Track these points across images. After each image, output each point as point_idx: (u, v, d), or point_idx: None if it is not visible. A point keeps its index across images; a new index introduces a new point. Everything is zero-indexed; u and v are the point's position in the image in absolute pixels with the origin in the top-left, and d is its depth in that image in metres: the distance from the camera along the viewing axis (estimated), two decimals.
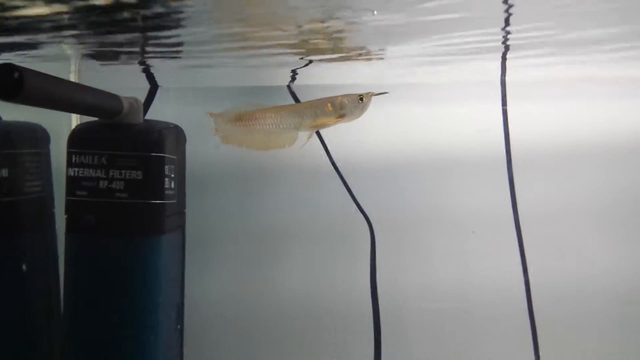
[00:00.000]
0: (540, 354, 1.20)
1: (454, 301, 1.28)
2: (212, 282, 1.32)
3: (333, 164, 1.25)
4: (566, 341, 1.27)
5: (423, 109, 1.28)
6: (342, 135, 1.28)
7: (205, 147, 1.30)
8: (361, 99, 1.04)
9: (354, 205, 1.27)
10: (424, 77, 1.26)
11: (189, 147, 0.99)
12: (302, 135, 1.06)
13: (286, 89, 1.27)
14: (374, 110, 1.29)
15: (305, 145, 1.07)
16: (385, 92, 1.06)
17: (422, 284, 1.29)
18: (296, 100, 1.25)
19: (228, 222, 1.34)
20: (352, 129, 1.30)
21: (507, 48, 1.13)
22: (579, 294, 1.27)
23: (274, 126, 1.05)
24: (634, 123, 1.28)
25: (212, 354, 1.30)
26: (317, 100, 1.06)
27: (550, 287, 1.25)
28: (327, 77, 1.25)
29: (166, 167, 0.86)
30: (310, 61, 1.11)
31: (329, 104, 1.05)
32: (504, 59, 1.15)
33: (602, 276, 1.27)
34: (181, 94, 1.29)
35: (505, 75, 1.19)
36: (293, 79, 1.22)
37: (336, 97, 1.05)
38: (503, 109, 1.21)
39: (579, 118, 1.29)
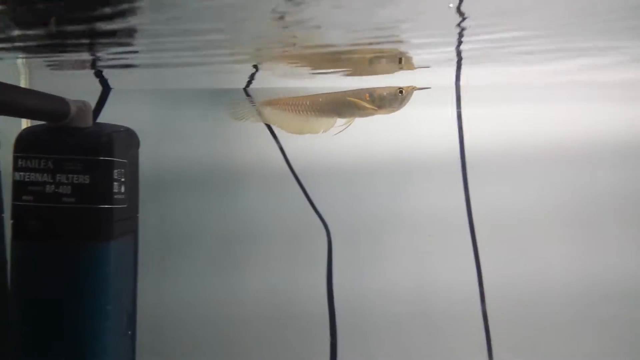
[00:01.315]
0: (494, 354, 1.21)
1: (410, 304, 1.29)
2: (170, 286, 1.31)
3: (290, 167, 1.25)
4: (521, 341, 1.29)
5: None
6: (300, 139, 1.28)
7: (163, 151, 1.30)
8: (401, 92, 1.03)
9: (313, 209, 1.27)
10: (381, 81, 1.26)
11: (146, 151, 0.98)
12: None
13: (242, 92, 1.26)
14: None
15: (305, 139, 1.10)
16: (428, 87, 1.05)
17: (380, 287, 1.29)
18: (252, 102, 1.25)
19: (187, 226, 1.32)
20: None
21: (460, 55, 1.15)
22: (534, 294, 1.29)
23: (310, 112, 1.06)
24: (589, 127, 1.30)
25: (168, 358, 1.28)
26: (356, 90, 1.05)
27: (504, 289, 1.27)
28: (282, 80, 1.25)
29: (115, 171, 0.85)
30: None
31: (367, 95, 1.05)
32: (459, 63, 1.17)
33: (558, 277, 1.30)
34: (135, 96, 1.27)
35: (459, 80, 1.20)
36: (249, 82, 1.22)
37: (375, 88, 1.04)
38: (457, 113, 1.22)
39: (535, 122, 1.31)
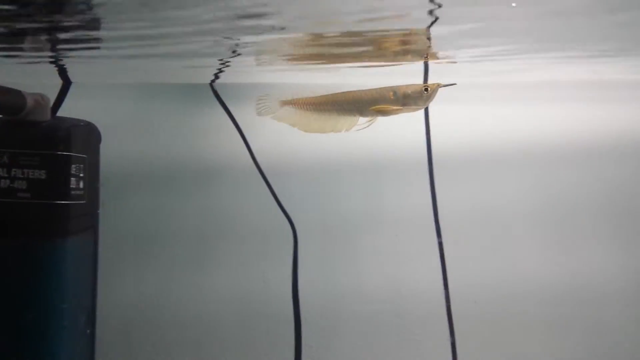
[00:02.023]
0: (458, 354, 1.22)
1: (378, 303, 1.29)
2: (136, 285, 1.29)
3: (257, 165, 1.23)
4: (486, 341, 1.29)
5: None
6: (267, 136, 1.27)
7: (128, 147, 1.28)
8: (426, 90, 1.01)
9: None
10: (349, 78, 1.26)
11: (110, 146, 0.96)
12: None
13: (209, 87, 1.25)
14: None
15: (314, 136, 1.06)
16: (453, 84, 1.03)
17: (347, 286, 1.29)
18: (219, 99, 1.24)
19: (152, 224, 1.30)
20: (276, 130, 1.30)
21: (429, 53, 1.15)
22: (502, 294, 1.29)
23: (331, 111, 1.04)
24: (560, 126, 1.31)
25: (128, 357, 1.26)
26: (380, 88, 1.03)
27: (471, 288, 1.27)
28: (251, 75, 1.23)
29: (73, 166, 0.83)
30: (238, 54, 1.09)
31: (392, 93, 1.02)
32: (426, 62, 1.17)
33: (527, 277, 1.30)
34: (99, 90, 1.24)
35: (427, 79, 1.19)
36: (216, 77, 1.20)
37: (400, 86, 1.03)
38: (425, 112, 1.22)
39: (504, 121, 1.31)
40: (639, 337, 1.28)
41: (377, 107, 1.02)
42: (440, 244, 1.23)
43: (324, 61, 1.12)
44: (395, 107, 1.02)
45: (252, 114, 1.27)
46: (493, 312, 1.29)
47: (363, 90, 1.05)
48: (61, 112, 1.10)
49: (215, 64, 1.11)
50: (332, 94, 1.05)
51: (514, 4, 0.78)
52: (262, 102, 1.05)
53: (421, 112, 1.23)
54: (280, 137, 1.28)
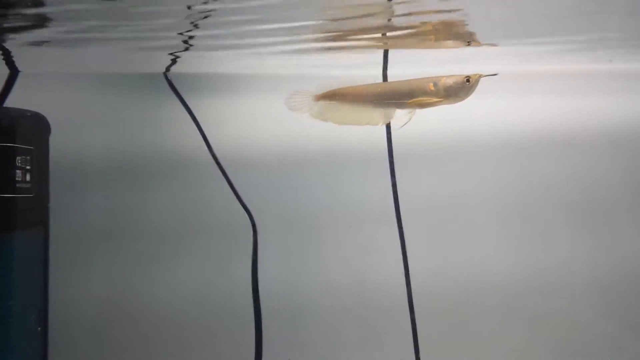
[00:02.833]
0: (420, 346, 1.22)
1: (341, 296, 1.28)
2: (91, 282, 1.25)
3: (215, 158, 1.21)
4: (448, 333, 1.29)
5: None
6: (226, 129, 1.26)
7: (83, 139, 1.24)
8: (468, 81, 0.97)
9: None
10: (310, 69, 1.25)
11: (63, 138, 0.93)
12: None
13: (162, 77, 1.22)
14: (256, 103, 1.28)
15: (361, 129, 1.03)
16: (495, 74, 0.98)
17: (310, 280, 1.28)
18: (173, 88, 1.21)
19: (108, 218, 1.26)
20: (235, 122, 1.29)
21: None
22: (464, 286, 1.30)
23: (368, 103, 1.00)
24: (523, 118, 1.31)
25: (87, 354, 1.23)
26: (419, 79, 0.99)
27: (433, 280, 1.27)
28: (207, 64, 1.21)
29: (18, 158, 0.80)
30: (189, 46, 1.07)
31: (432, 84, 0.98)
32: (385, 52, 1.17)
33: (489, 269, 1.30)
34: (49, 80, 1.20)
35: (387, 70, 1.19)
36: (173, 62, 1.17)
37: (440, 77, 0.99)
38: None
39: (467, 113, 1.30)
40: (603, 328, 1.30)
41: (417, 99, 0.99)
42: (402, 236, 1.22)
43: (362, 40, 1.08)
44: (435, 99, 0.98)
45: (211, 106, 1.26)
46: (457, 303, 1.29)
47: (401, 81, 1.01)
48: (10, 104, 1.06)
49: (170, 49, 1.09)
50: (369, 85, 1.01)
51: None
52: (295, 98, 1.02)
53: None
54: (241, 129, 1.26)
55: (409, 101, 0.99)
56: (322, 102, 1.02)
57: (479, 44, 1.05)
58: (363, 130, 1.26)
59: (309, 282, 1.28)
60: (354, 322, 1.28)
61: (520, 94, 1.30)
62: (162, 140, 1.27)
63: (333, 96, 1.02)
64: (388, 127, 1.21)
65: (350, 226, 1.28)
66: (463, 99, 0.99)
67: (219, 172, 1.22)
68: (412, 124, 1.28)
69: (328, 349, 1.28)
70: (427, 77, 0.99)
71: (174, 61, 1.17)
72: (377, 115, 1.02)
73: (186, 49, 1.10)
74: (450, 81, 0.98)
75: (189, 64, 1.20)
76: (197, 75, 1.24)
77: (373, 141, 1.25)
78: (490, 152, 1.30)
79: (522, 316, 1.30)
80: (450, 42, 1.06)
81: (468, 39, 1.04)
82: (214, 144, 1.22)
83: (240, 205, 1.21)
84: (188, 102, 1.22)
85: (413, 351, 1.19)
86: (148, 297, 1.26)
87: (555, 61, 1.22)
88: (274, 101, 1.23)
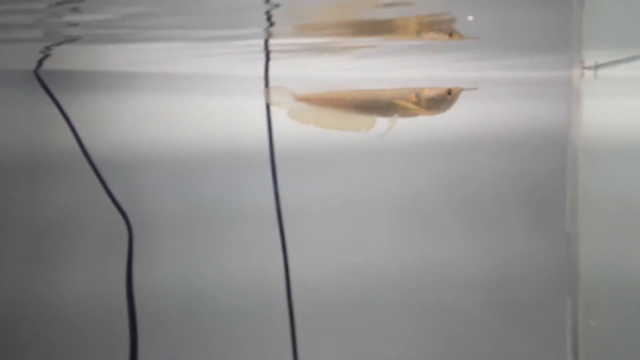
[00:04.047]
0: (298, 345, 1.22)
1: (240, 296, 1.28)
2: None
3: (87, 156, 1.17)
4: (340, 332, 1.31)
5: (187, 101, 1.26)
6: (110, 129, 1.22)
7: None
8: (449, 93, 0.98)
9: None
10: (191, 67, 1.24)
11: None
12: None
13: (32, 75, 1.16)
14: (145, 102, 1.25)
15: (360, 133, 1.02)
16: (475, 88, 0.99)
17: (187, 279, 1.26)
18: (44, 87, 1.16)
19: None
20: (121, 121, 1.25)
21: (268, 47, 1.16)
22: (353, 284, 1.32)
23: (349, 109, 1.00)
24: (416, 121, 1.32)
25: None
26: (400, 88, 0.99)
27: (320, 279, 1.29)
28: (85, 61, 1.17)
29: None
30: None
31: (414, 95, 0.99)
32: (267, 55, 1.18)
33: (381, 267, 1.32)
34: None
35: (268, 72, 1.20)
36: (41, 63, 1.12)
37: (422, 88, 0.99)
38: (267, 104, 1.22)
39: None
40: (492, 321, 1.35)
41: (401, 102, 0.99)
42: (282, 234, 1.23)
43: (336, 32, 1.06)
44: (417, 109, 1.00)
45: (85, 104, 1.22)
46: (349, 300, 1.31)
47: (383, 90, 1.01)
48: None
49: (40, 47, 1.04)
50: (350, 91, 1.01)
51: None
52: (276, 92, 1.02)
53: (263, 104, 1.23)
54: (128, 129, 1.24)
55: (391, 110, 1.01)
56: (302, 103, 1.02)
57: (460, 37, 1.08)
58: (259, 127, 1.26)
59: (187, 281, 1.27)
60: (232, 321, 1.28)
61: None
62: (36, 139, 1.21)
63: (314, 100, 1.02)
64: (269, 124, 1.22)
65: (235, 225, 1.27)
66: (443, 111, 1.01)
67: (110, 171, 1.18)
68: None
69: (205, 347, 1.27)
70: (409, 87, 1.01)
71: (46, 56, 1.12)
72: (359, 121, 1.03)
73: (60, 43, 1.06)
74: (432, 93, 1.00)
75: (63, 59, 1.16)
76: (74, 72, 1.20)
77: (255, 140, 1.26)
78: (383, 152, 1.32)
79: (413, 311, 1.33)
80: (432, 34, 1.07)
81: (450, 31, 1.05)
82: (97, 143, 1.19)
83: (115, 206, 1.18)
84: (64, 100, 1.18)
85: (291, 349, 1.20)
86: (20, 298, 1.21)
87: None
88: (166, 100, 1.22)
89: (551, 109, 1.28)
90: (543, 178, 1.30)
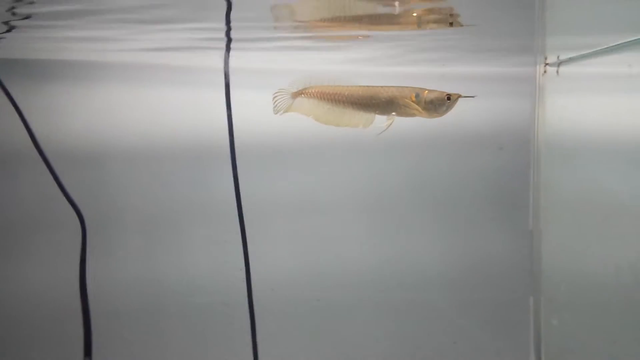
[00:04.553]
0: (258, 343, 1.21)
1: (203, 294, 1.26)
2: None
3: (39, 150, 1.12)
4: (309, 329, 1.30)
5: (145, 92, 1.23)
6: (58, 120, 1.18)
7: None
8: (448, 98, 0.96)
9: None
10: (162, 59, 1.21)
11: None
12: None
13: None
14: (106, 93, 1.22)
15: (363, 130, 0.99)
16: (473, 96, 0.97)
17: (139, 277, 1.24)
18: None
19: None
20: (70, 113, 1.21)
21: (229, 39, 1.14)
22: (321, 281, 1.31)
23: (347, 105, 0.98)
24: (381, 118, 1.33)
25: None
26: (400, 87, 0.97)
27: (273, 278, 1.27)
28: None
29: None
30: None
31: (413, 94, 0.97)
32: (228, 46, 1.15)
33: (347, 263, 1.31)
34: None
35: (228, 64, 1.18)
36: None
37: (423, 89, 0.97)
38: (226, 96, 1.20)
39: None
40: (458, 316, 1.34)
41: (404, 100, 0.97)
42: (243, 231, 1.21)
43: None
44: (416, 110, 0.98)
45: (38, 95, 1.18)
46: (312, 298, 1.30)
47: (382, 87, 0.99)
48: None
49: None
50: (347, 87, 0.99)
51: None
52: (276, 100, 0.99)
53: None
54: (89, 119, 1.20)
55: (389, 108, 0.99)
56: (300, 99, 1.00)
57: (460, 25, 1.07)
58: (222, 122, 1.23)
59: (145, 277, 1.25)
60: (191, 318, 1.26)
61: None
62: None
63: (310, 94, 1.00)
64: (230, 121, 1.19)
65: (197, 221, 1.25)
66: (441, 115, 1.00)
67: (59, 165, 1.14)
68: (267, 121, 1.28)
69: (163, 344, 1.25)
70: (409, 87, 0.99)
71: None
72: (357, 118, 1.01)
73: (9, 30, 1.02)
74: (432, 96, 0.98)
75: (14, 47, 1.12)
76: (26, 62, 1.16)
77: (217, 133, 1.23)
78: (351, 149, 1.32)
79: (378, 309, 1.32)
80: (433, 25, 1.08)
81: (451, 20, 1.05)
82: (50, 136, 1.16)
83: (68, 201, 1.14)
84: (15, 91, 1.13)
85: (251, 347, 1.18)
86: None
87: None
88: (123, 92, 1.19)
89: (516, 105, 1.28)
90: (507, 175, 1.30)
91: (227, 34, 1.16)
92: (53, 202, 1.15)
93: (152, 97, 1.23)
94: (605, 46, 1.01)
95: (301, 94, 1.01)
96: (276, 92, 1.01)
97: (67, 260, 1.17)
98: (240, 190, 1.22)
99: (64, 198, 1.13)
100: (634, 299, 0.94)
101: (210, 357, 1.27)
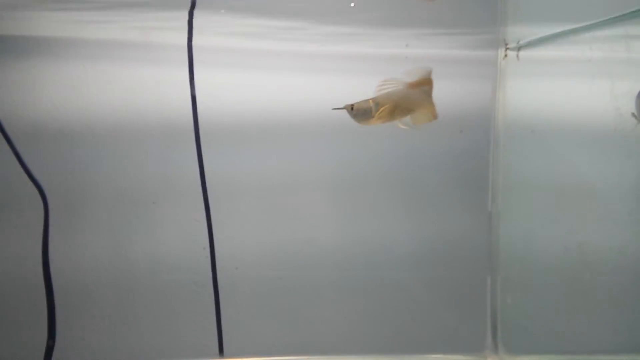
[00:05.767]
0: (223, 324, 1.23)
1: (174, 272, 1.27)
2: None
3: (1, 127, 1.11)
4: (278, 309, 1.32)
5: (109, 69, 1.22)
6: (21, 97, 1.17)
7: None
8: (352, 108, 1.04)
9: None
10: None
11: None
12: None
13: None
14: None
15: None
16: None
17: (141, 257, 1.25)
18: None
19: None
20: (34, 90, 1.20)
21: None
22: (288, 261, 1.31)
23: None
24: (349, 98, 1.33)
25: None
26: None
27: (238, 257, 1.28)
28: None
29: None
30: None
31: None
32: (190, 23, 1.15)
33: (318, 245, 1.32)
34: None
35: (192, 41, 1.17)
36: None
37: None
38: (190, 76, 1.19)
39: (295, 91, 1.30)
40: (425, 295, 1.36)
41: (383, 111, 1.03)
42: (207, 210, 1.21)
43: None
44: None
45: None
46: (276, 277, 1.31)
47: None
48: None
49: None
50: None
51: None
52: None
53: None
54: (53, 96, 1.19)
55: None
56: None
57: None
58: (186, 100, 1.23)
59: (111, 256, 1.25)
60: (157, 296, 1.27)
61: (347, 74, 1.31)
62: None
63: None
64: (194, 101, 1.19)
65: (156, 202, 1.25)
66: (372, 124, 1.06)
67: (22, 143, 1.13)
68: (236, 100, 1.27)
69: (129, 322, 1.26)
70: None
71: None
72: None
73: None
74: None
75: None
76: None
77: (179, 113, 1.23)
78: (317, 131, 1.31)
79: (350, 287, 1.34)
80: None
81: None
82: (13, 112, 1.15)
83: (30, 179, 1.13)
84: None
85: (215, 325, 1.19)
86: None
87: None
88: (87, 68, 1.17)
89: (477, 88, 1.29)
90: (468, 157, 1.31)
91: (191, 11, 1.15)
92: (16, 180, 1.15)
93: (120, 75, 1.21)
94: (563, 29, 1.03)
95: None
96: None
97: (31, 240, 1.17)
98: (206, 170, 1.23)
99: (27, 176, 1.13)
100: (581, 278, 0.97)
101: (177, 334, 1.28)
